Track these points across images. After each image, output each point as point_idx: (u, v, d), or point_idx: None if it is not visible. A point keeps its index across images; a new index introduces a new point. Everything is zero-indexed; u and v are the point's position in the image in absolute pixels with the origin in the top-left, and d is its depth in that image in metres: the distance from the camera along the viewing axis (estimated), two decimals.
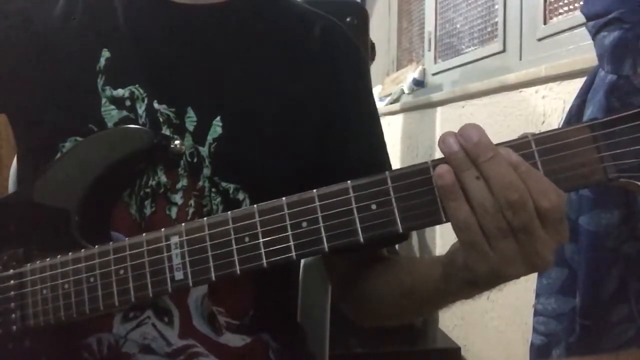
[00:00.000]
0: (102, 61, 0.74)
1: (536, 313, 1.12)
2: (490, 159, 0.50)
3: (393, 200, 0.54)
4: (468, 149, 0.51)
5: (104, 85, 0.74)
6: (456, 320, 2.08)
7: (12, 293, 0.67)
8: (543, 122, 1.55)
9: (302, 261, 0.98)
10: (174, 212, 0.72)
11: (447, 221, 0.53)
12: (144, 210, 0.72)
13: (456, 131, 0.52)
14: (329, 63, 0.79)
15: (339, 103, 0.79)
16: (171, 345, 0.72)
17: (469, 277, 0.54)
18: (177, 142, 0.72)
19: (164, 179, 0.72)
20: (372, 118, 0.83)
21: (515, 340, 1.66)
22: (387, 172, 0.54)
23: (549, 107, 1.54)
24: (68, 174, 0.70)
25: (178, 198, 0.72)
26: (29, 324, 0.66)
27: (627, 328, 1.02)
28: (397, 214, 0.53)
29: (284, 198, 0.57)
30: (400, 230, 0.54)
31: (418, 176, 0.53)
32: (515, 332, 1.66)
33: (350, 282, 0.80)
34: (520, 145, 0.52)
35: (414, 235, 2.37)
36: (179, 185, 0.72)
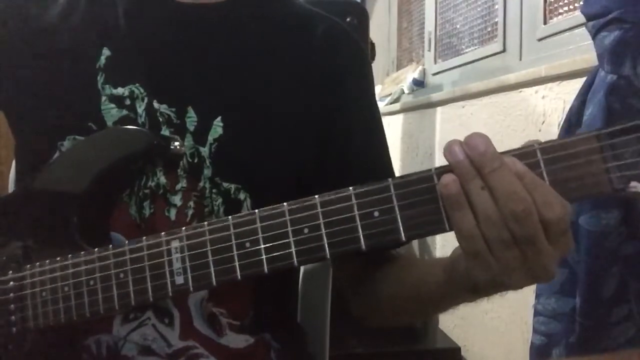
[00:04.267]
0: (102, 59, 0.74)
1: (536, 313, 1.12)
2: (496, 169, 0.49)
3: (396, 208, 0.53)
4: (474, 158, 0.50)
5: (104, 83, 0.74)
6: (456, 320, 2.08)
7: (12, 295, 0.67)
8: (543, 122, 1.55)
9: None
10: (172, 213, 0.72)
11: (450, 230, 0.52)
12: (143, 211, 0.72)
13: (457, 130, 0.52)
14: (331, 63, 0.79)
15: (342, 104, 0.78)
16: (172, 347, 0.72)
17: (471, 284, 0.54)
18: (176, 143, 0.71)
19: (163, 180, 0.72)
20: (374, 120, 0.83)
21: (515, 340, 1.66)
22: (390, 180, 0.54)
23: (549, 107, 1.54)
24: (67, 175, 0.70)
25: (177, 199, 0.72)
26: (28, 326, 0.66)
27: (627, 328, 1.02)
28: (400, 222, 0.53)
29: (285, 204, 0.56)
30: (403, 239, 0.53)
31: (421, 184, 0.53)
32: (515, 332, 1.66)
33: (357, 282, 0.80)
34: (526, 154, 0.51)
35: None
36: (178, 187, 0.72)
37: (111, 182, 0.69)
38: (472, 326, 1.96)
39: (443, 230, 0.53)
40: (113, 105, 0.73)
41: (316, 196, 0.55)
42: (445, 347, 2.05)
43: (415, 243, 2.41)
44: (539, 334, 1.11)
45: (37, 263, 0.66)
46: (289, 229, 0.56)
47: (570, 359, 1.05)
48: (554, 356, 1.08)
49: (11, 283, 0.67)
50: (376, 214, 0.53)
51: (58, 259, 0.65)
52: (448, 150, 0.51)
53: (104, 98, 0.73)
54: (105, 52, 0.75)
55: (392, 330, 1.96)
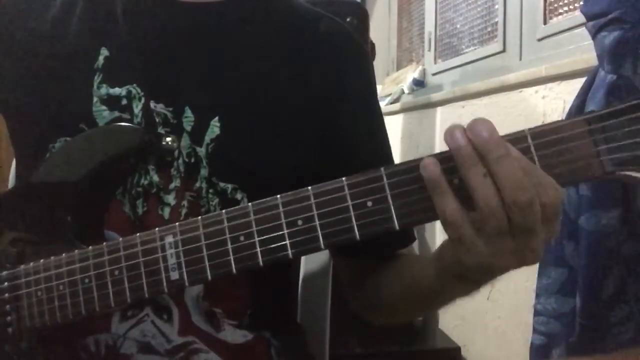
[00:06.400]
0: (101, 60, 0.74)
1: (536, 313, 1.12)
2: (502, 157, 0.48)
3: (389, 196, 0.53)
4: (477, 144, 0.49)
5: (101, 83, 0.73)
6: (456, 320, 2.08)
7: (7, 295, 0.67)
8: (543, 122, 1.55)
9: (303, 262, 0.98)
10: (166, 212, 0.72)
11: None
12: (136, 209, 0.72)
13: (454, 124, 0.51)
14: (332, 64, 0.78)
15: (343, 104, 0.78)
16: (171, 342, 0.72)
17: (459, 270, 0.54)
18: (168, 139, 0.71)
19: (156, 178, 0.72)
20: (376, 119, 0.82)
21: (515, 340, 1.66)
22: (382, 169, 0.53)
23: (549, 107, 1.54)
24: (59, 173, 0.69)
25: (171, 199, 0.72)
26: (24, 326, 0.66)
27: (627, 328, 1.02)
28: (393, 211, 0.53)
29: (278, 196, 0.56)
30: (397, 227, 0.53)
31: (413, 172, 0.52)
32: (515, 332, 1.66)
33: (357, 280, 0.80)
34: (517, 139, 0.51)
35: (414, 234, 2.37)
36: (171, 186, 0.72)
37: (103, 180, 0.69)
38: (472, 326, 1.96)
39: (436, 218, 0.52)
40: (105, 108, 0.72)
41: (309, 187, 0.55)
42: (445, 347, 2.05)
43: (415, 243, 2.41)
44: (539, 334, 1.11)
45: (32, 262, 0.66)
46: (283, 221, 0.56)
47: (570, 359, 1.05)
48: (554, 356, 1.08)
49: (6, 283, 0.67)
50: (369, 203, 0.53)
51: (52, 258, 0.65)
52: (449, 134, 0.50)
53: (95, 99, 0.73)
54: (104, 52, 0.74)
55: (392, 330, 1.96)
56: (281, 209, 0.56)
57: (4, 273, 0.67)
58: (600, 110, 0.50)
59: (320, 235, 0.55)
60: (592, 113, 0.50)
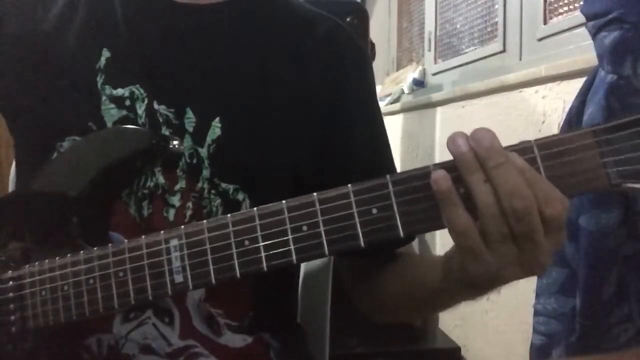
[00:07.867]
0: (103, 60, 0.74)
1: (536, 313, 1.12)
2: (500, 164, 0.49)
3: (394, 204, 0.53)
4: (478, 152, 0.50)
5: (104, 84, 0.74)
6: (456, 320, 2.08)
7: (11, 295, 0.67)
8: (543, 122, 1.55)
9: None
10: (171, 214, 0.72)
11: None
12: (142, 211, 0.72)
13: (456, 131, 0.52)
14: (332, 64, 0.79)
15: (343, 105, 0.78)
16: (172, 346, 0.72)
17: (466, 279, 0.54)
18: (175, 142, 0.71)
19: (162, 180, 0.72)
20: (375, 120, 0.82)
21: (515, 340, 1.66)
22: (388, 176, 0.54)
23: (549, 107, 1.54)
24: (66, 175, 0.69)
25: (176, 200, 0.72)
26: (28, 326, 0.66)
27: (627, 328, 1.02)
28: (398, 219, 0.53)
29: (284, 201, 0.56)
30: (402, 235, 0.53)
31: (419, 180, 0.53)
32: (515, 332, 1.66)
33: (360, 280, 0.81)
34: (523, 149, 0.51)
35: None
36: (177, 187, 0.72)
37: (110, 182, 0.69)
38: (472, 326, 1.96)
39: (441, 227, 0.53)
40: (113, 106, 0.73)
41: (314, 194, 0.55)
42: (445, 347, 2.05)
43: (415, 243, 2.41)
44: (539, 334, 1.11)
45: (37, 263, 0.66)
46: (288, 226, 0.56)
47: (570, 359, 1.05)
48: (554, 356, 1.08)
49: (10, 283, 0.67)
50: (374, 210, 0.54)
51: (57, 258, 0.65)
52: (452, 141, 0.51)
53: (104, 98, 0.73)
54: (105, 53, 0.75)
55: (392, 330, 1.96)
56: (286, 215, 0.56)
57: (9, 273, 0.68)
58: (607, 122, 0.50)
59: (324, 241, 0.55)
60: (599, 125, 0.50)
